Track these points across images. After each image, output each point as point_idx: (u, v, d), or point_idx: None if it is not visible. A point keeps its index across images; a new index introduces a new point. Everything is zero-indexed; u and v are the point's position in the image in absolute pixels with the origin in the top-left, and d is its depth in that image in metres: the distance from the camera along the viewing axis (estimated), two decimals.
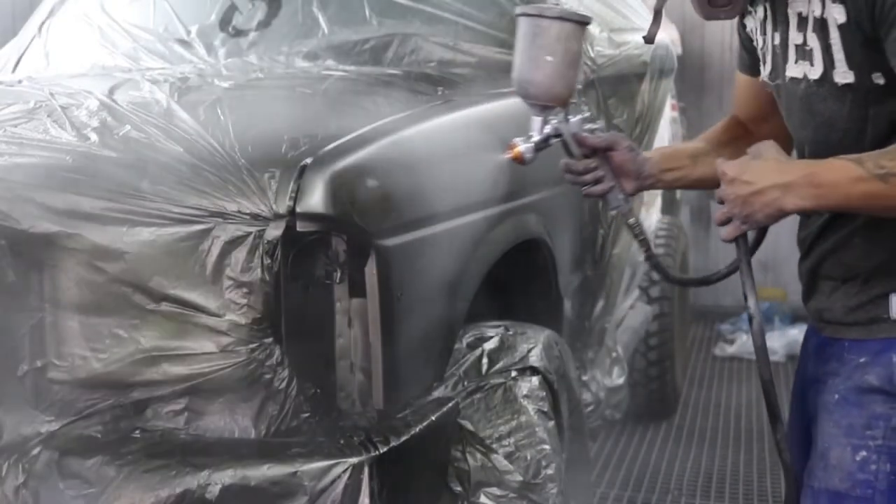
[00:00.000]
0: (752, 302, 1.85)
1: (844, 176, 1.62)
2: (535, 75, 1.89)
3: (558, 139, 1.93)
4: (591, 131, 1.95)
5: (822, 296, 1.87)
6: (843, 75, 1.69)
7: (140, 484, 1.80)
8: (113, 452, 1.85)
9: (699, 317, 6.18)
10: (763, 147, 1.75)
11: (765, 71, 1.86)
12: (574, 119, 1.94)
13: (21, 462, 1.85)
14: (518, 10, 1.95)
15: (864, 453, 1.77)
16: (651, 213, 4.18)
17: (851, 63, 1.67)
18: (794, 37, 1.74)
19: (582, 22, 1.90)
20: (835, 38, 1.67)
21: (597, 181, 1.95)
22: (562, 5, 2.23)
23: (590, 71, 3.07)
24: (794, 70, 1.76)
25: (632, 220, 2.01)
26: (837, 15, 1.66)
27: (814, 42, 1.71)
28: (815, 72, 1.72)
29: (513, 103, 2.69)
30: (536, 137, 1.94)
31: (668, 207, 4.78)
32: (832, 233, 1.81)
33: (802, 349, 1.97)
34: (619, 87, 3.20)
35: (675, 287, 4.53)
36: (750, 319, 1.86)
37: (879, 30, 1.62)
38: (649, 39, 1.94)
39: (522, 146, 1.93)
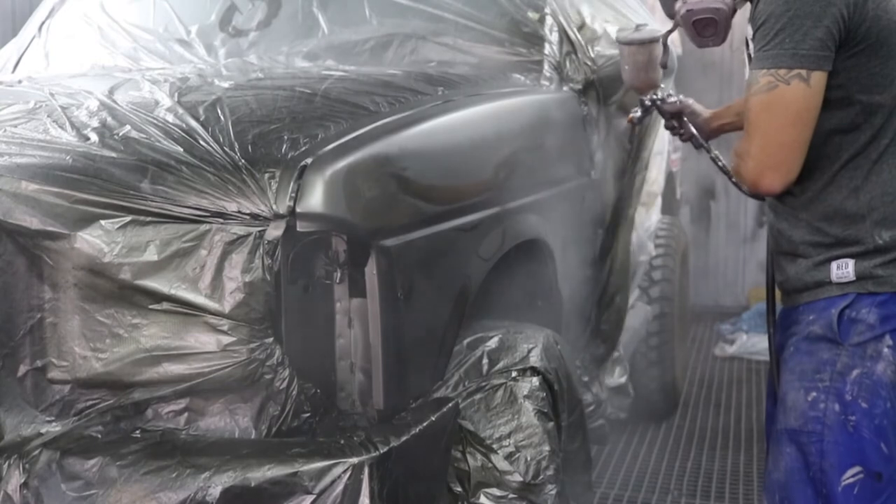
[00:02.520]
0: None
1: None
2: (624, 77, 2.70)
3: (654, 108, 2.67)
4: (670, 101, 2.65)
5: (781, 271, 2.19)
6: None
7: (140, 484, 1.79)
8: (113, 452, 1.84)
9: (699, 317, 6.19)
10: None
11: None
12: (657, 96, 2.65)
13: (21, 462, 1.85)
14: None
15: (814, 394, 2.06)
16: (651, 213, 4.17)
17: None
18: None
19: (642, 42, 2.61)
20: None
21: (682, 133, 2.66)
22: (645, 28, 2.74)
23: (590, 71, 3.07)
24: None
25: (713, 154, 2.60)
26: None
27: None
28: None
29: (513, 103, 2.70)
30: (640, 110, 2.71)
31: (668, 207, 4.77)
32: (785, 215, 2.14)
33: (776, 327, 2.28)
34: (619, 86, 3.20)
35: (676, 287, 4.53)
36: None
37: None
38: (664, 41, 2.60)
39: (633, 115, 2.74)
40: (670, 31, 2.55)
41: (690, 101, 2.69)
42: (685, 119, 2.65)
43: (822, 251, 2.08)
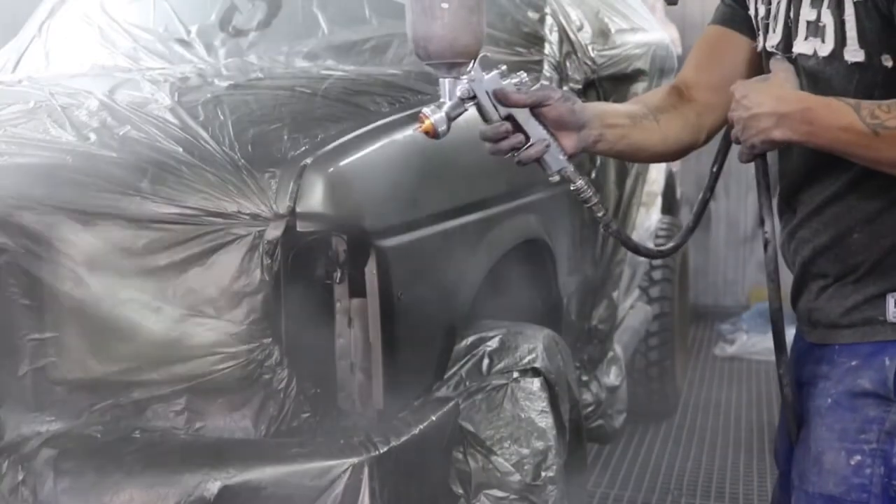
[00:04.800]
0: (768, 226, 1.77)
1: (837, 120, 1.58)
2: (433, 28, 1.58)
3: (473, 101, 1.65)
4: (516, 86, 1.66)
5: (810, 295, 1.81)
6: (854, 53, 1.65)
7: (140, 484, 1.79)
8: (113, 452, 1.84)
9: (699, 317, 6.18)
10: (777, 67, 1.72)
11: (772, 40, 1.79)
12: (490, 75, 1.64)
13: (21, 462, 1.85)
14: None
15: (858, 457, 1.74)
16: (651, 213, 4.17)
17: (863, 42, 1.64)
18: (807, 13, 1.70)
19: None
20: (849, 14, 1.63)
21: (517, 147, 1.68)
22: None
23: (590, 71, 3.07)
24: (802, 46, 1.71)
25: (579, 183, 1.73)
26: None
27: (827, 18, 1.66)
28: (826, 49, 1.67)
29: None
30: (448, 103, 1.64)
31: (668, 207, 4.77)
32: (829, 227, 1.74)
33: (791, 352, 1.90)
34: (619, 87, 3.20)
35: (675, 287, 4.53)
36: (765, 245, 1.78)
37: (893, 7, 1.58)
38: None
39: (433, 117, 1.63)
40: None
41: (551, 86, 1.84)
42: (543, 116, 1.70)
43: (876, 280, 1.69)
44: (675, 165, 4.95)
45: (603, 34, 3.18)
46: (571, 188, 1.73)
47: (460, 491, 2.10)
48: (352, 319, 1.94)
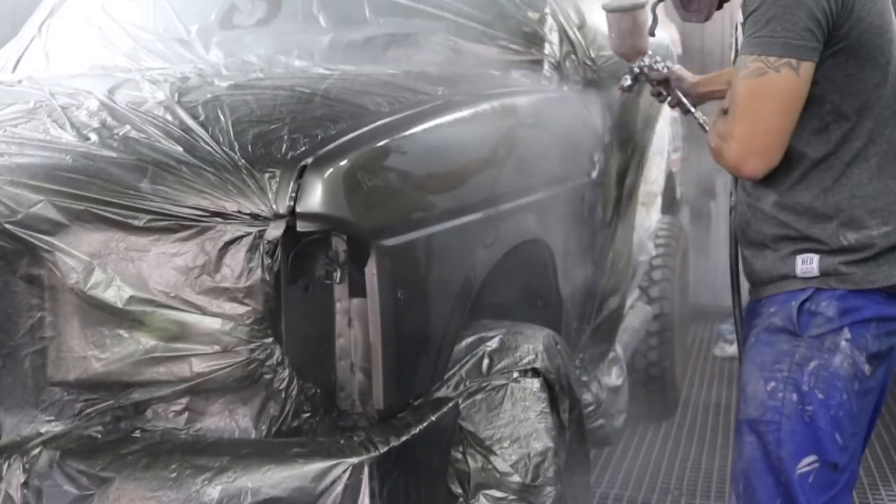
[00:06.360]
0: (734, 197, 2.34)
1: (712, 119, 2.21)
2: (610, 45, 2.77)
3: (642, 74, 2.74)
4: (657, 68, 2.72)
5: (747, 263, 2.22)
6: None
7: (140, 484, 1.79)
8: (113, 452, 1.84)
9: (699, 317, 6.18)
10: None
11: None
12: (645, 63, 2.72)
13: (21, 462, 1.85)
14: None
15: (773, 384, 2.11)
16: (651, 213, 4.17)
17: None
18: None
19: (625, 9, 2.66)
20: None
21: (670, 100, 2.77)
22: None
23: (590, 71, 3.07)
24: None
25: (701, 119, 2.64)
26: None
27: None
28: None
29: (512, 103, 2.69)
30: (629, 78, 2.78)
31: (669, 207, 4.77)
32: (755, 209, 2.16)
33: (742, 323, 2.34)
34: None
35: (675, 287, 4.53)
36: (730, 210, 2.37)
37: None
38: (652, 9, 2.67)
39: (622, 83, 2.81)
40: (659, 1, 2.64)
41: (677, 67, 2.75)
42: (672, 85, 2.72)
43: (788, 245, 2.11)
44: (676, 166, 4.95)
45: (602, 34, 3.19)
46: (696, 117, 2.70)
47: (459, 491, 2.10)
48: (352, 319, 1.94)
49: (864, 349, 2.08)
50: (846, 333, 2.07)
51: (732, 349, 5.68)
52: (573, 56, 3.04)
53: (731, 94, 2.09)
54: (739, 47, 2.10)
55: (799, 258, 2.10)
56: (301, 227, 1.86)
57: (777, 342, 2.12)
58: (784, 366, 2.10)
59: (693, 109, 2.70)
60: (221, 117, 2.11)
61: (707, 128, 2.48)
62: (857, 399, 2.09)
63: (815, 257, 2.08)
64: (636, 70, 2.75)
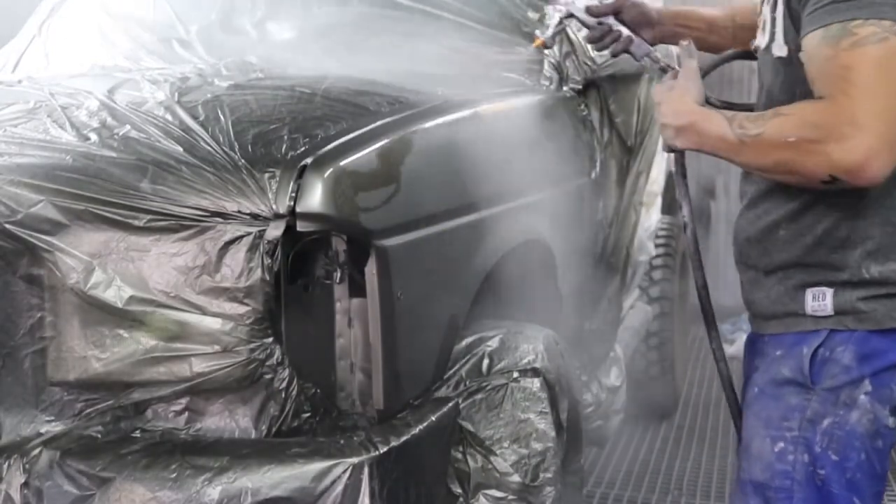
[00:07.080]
0: (685, 210, 2.08)
1: (715, 131, 1.76)
2: None
3: (571, 18, 2.32)
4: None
5: (746, 290, 1.94)
6: (779, 48, 1.78)
7: (140, 484, 1.80)
8: (113, 452, 1.85)
9: (699, 317, 6.16)
10: (683, 66, 1.92)
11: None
12: (580, 1, 2.34)
13: (22, 462, 1.85)
14: None
15: (781, 444, 1.81)
16: (651, 213, 4.17)
17: (787, 38, 1.76)
18: (764, 10, 1.84)
19: None
20: (779, 12, 1.76)
21: (617, 39, 2.28)
22: None
23: (590, 71, 3.07)
24: (758, 39, 1.88)
25: (662, 64, 2.25)
26: None
27: (767, 14, 1.81)
28: (763, 41, 1.83)
29: (512, 103, 2.70)
30: (553, 26, 2.36)
31: (668, 207, 4.77)
32: (761, 220, 1.86)
33: (744, 345, 2.07)
34: (619, 86, 3.20)
35: (675, 287, 4.53)
36: (684, 227, 2.07)
37: (802, 8, 1.70)
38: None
39: (543, 35, 2.37)
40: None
41: None
42: (623, 19, 2.28)
43: (798, 274, 1.80)
44: None
45: None
46: (658, 67, 2.25)
47: (459, 491, 2.10)
48: (352, 319, 1.94)
49: (889, 401, 1.76)
50: (866, 385, 1.75)
51: (732, 349, 5.67)
52: (573, 56, 3.04)
53: (827, 71, 1.63)
54: (809, 13, 1.66)
55: (809, 293, 1.78)
56: (301, 227, 1.86)
57: (785, 395, 1.82)
58: (793, 423, 1.80)
59: (652, 53, 2.25)
60: (221, 117, 2.11)
61: (669, 70, 2.09)
62: (878, 457, 1.79)
63: (829, 292, 1.76)
64: (562, 13, 2.32)
